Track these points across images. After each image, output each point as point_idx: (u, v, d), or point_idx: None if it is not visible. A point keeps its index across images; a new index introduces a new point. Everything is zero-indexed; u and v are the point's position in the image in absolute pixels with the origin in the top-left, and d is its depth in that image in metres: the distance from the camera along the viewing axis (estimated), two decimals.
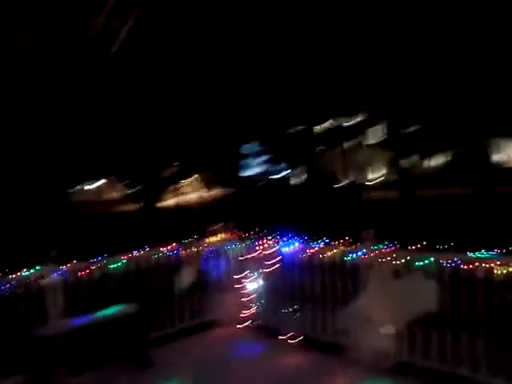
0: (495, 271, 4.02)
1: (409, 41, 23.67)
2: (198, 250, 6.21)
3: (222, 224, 6.49)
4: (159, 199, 22.94)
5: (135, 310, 5.14)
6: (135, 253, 5.68)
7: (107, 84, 18.55)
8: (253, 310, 6.09)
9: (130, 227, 17.92)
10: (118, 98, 18.89)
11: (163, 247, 5.93)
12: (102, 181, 37.62)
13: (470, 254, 4.26)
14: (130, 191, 21.54)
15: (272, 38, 21.61)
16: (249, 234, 6.28)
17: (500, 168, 39.01)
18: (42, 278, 5.03)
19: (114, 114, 18.67)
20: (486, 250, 4.21)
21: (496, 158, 45.12)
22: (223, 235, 6.41)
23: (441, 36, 22.93)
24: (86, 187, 37.69)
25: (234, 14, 19.00)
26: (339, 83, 27.29)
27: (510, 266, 3.97)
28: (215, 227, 6.47)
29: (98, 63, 17.13)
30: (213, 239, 6.36)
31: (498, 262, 4.04)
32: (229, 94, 20.64)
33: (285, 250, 5.75)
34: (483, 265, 4.11)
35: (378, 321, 4.85)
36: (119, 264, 5.51)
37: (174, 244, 6.05)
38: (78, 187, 36.63)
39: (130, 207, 22.87)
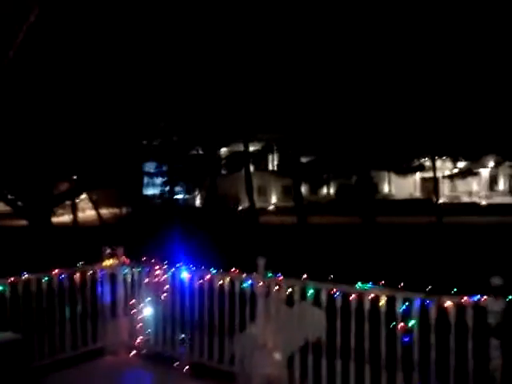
0: (381, 302, 4.33)
1: (304, 70, 25.02)
2: (90, 274, 5.97)
3: (116, 247, 6.32)
4: (51, 215, 21.64)
5: (18, 337, 4.80)
6: (23, 275, 5.33)
7: None
8: (146, 337, 5.96)
9: (17, 245, 16.74)
10: (8, 105, 17.73)
11: (54, 269, 5.63)
12: None
13: (358, 285, 4.55)
14: (18, 205, 20.03)
15: (172, 61, 21.66)
16: (142, 258, 6.17)
17: (386, 200, 41.77)
18: None
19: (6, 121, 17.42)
20: (373, 282, 4.53)
21: (383, 189, 48.27)
22: (116, 259, 6.22)
23: (331, 78, 24.51)
24: None
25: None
26: (240, 110, 27.99)
27: (392, 297, 4.30)
28: (109, 250, 6.27)
29: None
30: (106, 263, 6.15)
31: (383, 294, 4.35)
32: (131, 109, 20.19)
33: (179, 275, 5.72)
34: (370, 295, 4.40)
35: (271, 348, 4.98)
36: (4, 287, 5.14)
37: (66, 267, 5.77)
38: None
39: (19, 222, 21.41)
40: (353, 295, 4.51)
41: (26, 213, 19.80)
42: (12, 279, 5.24)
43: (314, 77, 24.86)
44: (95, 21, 17.13)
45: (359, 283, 4.62)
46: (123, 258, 6.24)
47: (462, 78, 23.94)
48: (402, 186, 46.44)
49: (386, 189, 49.10)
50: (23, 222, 20.69)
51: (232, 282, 5.26)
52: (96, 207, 30.62)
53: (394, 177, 45.16)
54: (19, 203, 20.08)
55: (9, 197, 19.78)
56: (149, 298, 5.92)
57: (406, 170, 37.25)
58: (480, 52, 23.00)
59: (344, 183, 40.68)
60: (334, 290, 4.64)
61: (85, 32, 16.98)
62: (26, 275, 5.38)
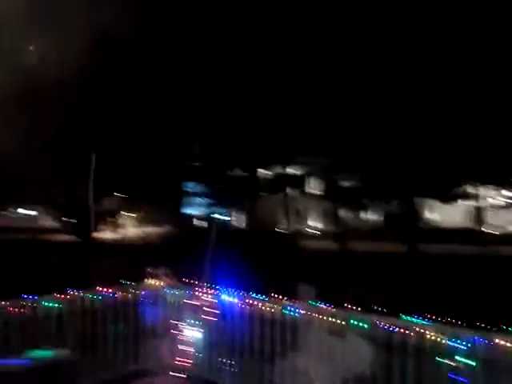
0: (427, 337, 4.22)
1: (350, 97, 24.93)
2: (135, 294, 6.06)
3: (161, 268, 6.40)
4: (97, 232, 22.20)
5: (67, 355, 4.91)
6: (70, 292, 5.46)
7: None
8: (188, 360, 5.97)
9: (65, 261, 17.16)
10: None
11: (100, 287, 5.75)
12: (36, 208, 36.08)
13: (403, 318, 4.45)
14: (65, 221, 20.67)
15: (216, 83, 22.06)
16: (185, 279, 6.22)
17: (432, 227, 40.89)
18: None
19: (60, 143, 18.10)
20: (419, 316, 4.42)
21: (429, 217, 47.27)
22: (162, 280, 6.30)
23: (381, 98, 24.33)
24: (18, 213, 36.04)
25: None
26: (282, 132, 28.12)
27: (439, 334, 4.18)
28: (154, 271, 6.36)
29: None
30: (150, 283, 6.24)
31: (430, 329, 4.24)
32: (175, 129, 20.66)
33: (222, 299, 5.73)
34: (416, 329, 4.29)
35: (312, 377, 4.91)
36: (53, 304, 5.28)
37: (112, 285, 5.88)
38: (11, 212, 34.93)
39: (66, 238, 21.98)
40: (398, 328, 4.42)
41: (72, 229, 20.43)
42: (61, 296, 5.38)
43: (358, 101, 24.76)
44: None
45: (404, 316, 4.52)
46: (166, 279, 6.31)
47: None
48: (447, 214, 45.26)
49: (430, 216, 47.96)
50: (68, 238, 21.27)
51: (276, 309, 5.23)
52: (138, 224, 31.19)
53: (438, 204, 44.07)
54: (65, 219, 20.77)
55: (55, 212, 20.49)
56: (191, 321, 5.95)
57: (451, 197, 36.30)
58: None
59: (388, 209, 40.02)
60: (380, 322, 4.55)
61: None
62: (74, 293, 5.51)
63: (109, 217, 25.44)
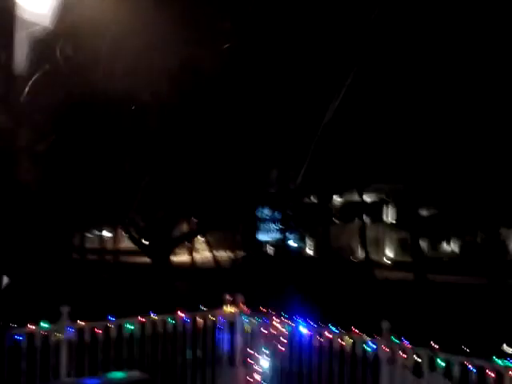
0: None
1: (431, 122, 24.18)
2: (211, 320, 6.08)
3: (236, 294, 6.40)
4: (172, 254, 22.75)
5: (146, 378, 4.99)
6: (152, 315, 5.58)
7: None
8: None
9: (142, 281, 17.72)
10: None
11: (178, 312, 5.82)
12: (109, 231, 37.67)
13: (496, 361, 4.11)
14: (143, 243, 21.37)
15: (291, 108, 22.22)
16: (259, 307, 6.16)
17: None
18: (55, 333, 4.95)
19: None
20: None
21: None
22: (236, 307, 6.28)
23: (460, 127, 23.42)
24: (97, 234, 37.76)
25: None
26: (356, 158, 27.70)
27: None
28: (228, 297, 6.37)
29: None
30: (226, 310, 6.24)
31: None
32: (251, 155, 20.93)
33: (298, 330, 5.61)
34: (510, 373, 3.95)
35: None
36: (135, 326, 5.41)
37: (188, 309, 5.95)
38: (89, 234, 36.69)
39: (144, 259, 22.75)
40: (490, 372, 4.08)
41: (149, 251, 21.06)
42: (141, 319, 5.50)
43: (436, 124, 23.98)
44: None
45: (496, 359, 4.18)
46: (242, 307, 6.28)
47: None
48: None
49: None
50: (147, 260, 21.97)
51: (354, 344, 5.03)
52: (211, 249, 31.71)
53: None
54: (144, 242, 21.47)
55: (134, 235, 21.23)
56: (266, 350, 5.87)
57: None
58: None
59: (469, 240, 38.03)
60: (469, 364, 4.23)
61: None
62: (154, 316, 5.61)
63: (185, 241, 26.06)
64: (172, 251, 21.89)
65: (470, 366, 4.25)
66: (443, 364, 4.40)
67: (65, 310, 5.07)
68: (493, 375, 4.02)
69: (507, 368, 3.98)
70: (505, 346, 5.61)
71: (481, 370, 4.16)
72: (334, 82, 23.26)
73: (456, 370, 4.31)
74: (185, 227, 26.31)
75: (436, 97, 22.77)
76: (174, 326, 5.67)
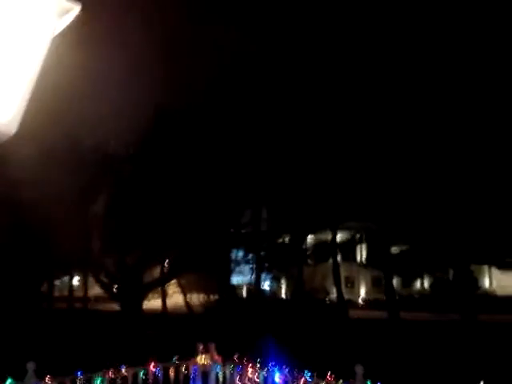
0: None
1: (399, 162, 24.77)
2: (184, 370, 5.96)
3: (207, 344, 6.30)
4: (143, 300, 22.24)
5: None
6: (122, 369, 5.42)
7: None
8: None
9: (113, 332, 17.12)
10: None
11: (150, 364, 5.68)
12: (77, 277, 36.77)
13: None
14: (112, 289, 20.87)
15: (263, 154, 22.57)
16: (233, 354, 6.07)
17: (487, 296, 38.67)
18: None
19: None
20: None
21: (484, 285, 44.78)
22: (209, 356, 6.17)
23: (433, 162, 24.07)
24: (62, 282, 36.75)
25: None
26: (328, 197, 28.02)
27: None
28: (201, 346, 6.26)
29: None
30: (199, 360, 6.12)
31: None
32: (220, 197, 20.98)
33: (272, 377, 5.53)
34: None
35: None
36: (103, 381, 5.24)
37: (161, 361, 5.81)
38: (58, 282, 35.68)
39: (112, 306, 22.15)
40: None
41: (119, 297, 20.57)
42: (111, 373, 5.35)
43: (404, 163, 24.58)
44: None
45: None
46: (215, 355, 6.18)
47: None
48: (505, 282, 42.95)
49: (486, 284, 45.66)
50: (116, 307, 21.39)
51: None
52: (184, 293, 31.16)
53: (496, 271, 42.03)
54: (114, 288, 20.97)
55: (104, 281, 20.75)
56: None
57: (509, 264, 34.56)
58: None
59: (440, 277, 38.44)
60: None
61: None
62: (124, 370, 5.47)
63: (156, 286, 25.58)
64: (143, 297, 21.44)
65: None
66: None
67: (31, 366, 4.89)
68: None
69: None
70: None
71: None
72: (303, 125, 23.81)
73: None
74: (157, 271, 25.87)
75: (405, 141, 23.47)
76: (146, 379, 5.53)
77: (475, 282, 37.76)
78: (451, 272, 34.11)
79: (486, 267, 42.45)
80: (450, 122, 22.26)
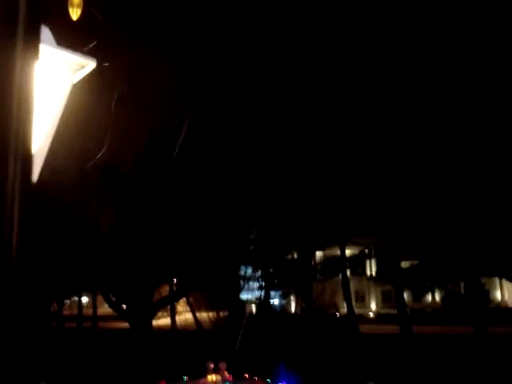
0: None
1: (406, 175, 24.70)
2: None
3: (218, 362, 6.26)
4: (152, 318, 22.14)
5: None
6: None
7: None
8: None
9: (123, 351, 17.02)
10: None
11: (160, 383, 5.65)
12: (86, 297, 36.65)
13: None
14: (121, 308, 20.78)
15: (269, 168, 22.62)
16: (243, 372, 6.02)
17: (499, 308, 38.21)
18: None
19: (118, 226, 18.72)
20: None
21: (495, 297, 44.34)
22: (219, 375, 6.13)
23: (438, 176, 23.99)
24: (72, 300, 36.66)
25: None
26: (337, 213, 27.92)
27: None
28: (211, 365, 6.22)
29: None
30: (210, 379, 6.08)
31: None
32: (228, 215, 20.96)
33: None
34: None
35: None
36: None
37: (171, 381, 5.78)
38: (67, 300, 35.64)
39: (121, 325, 22.08)
40: None
41: (128, 316, 20.47)
42: None
43: (412, 177, 24.51)
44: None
45: None
46: (226, 374, 6.14)
47: None
48: None
49: (498, 296, 45.16)
50: (126, 325, 21.31)
51: None
52: (193, 310, 31.00)
53: (507, 283, 41.57)
54: (123, 306, 20.89)
55: (113, 299, 20.68)
56: None
57: None
58: None
59: (451, 290, 38.05)
60: None
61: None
62: None
63: (165, 304, 25.46)
64: (153, 315, 21.33)
65: None
66: None
67: None
68: None
69: None
70: None
71: None
72: (309, 140, 23.83)
73: None
74: (166, 290, 25.80)
75: (406, 150, 23.43)
76: None
77: (487, 294, 37.34)
78: (462, 285, 33.78)
79: (497, 279, 42.01)
80: (459, 132, 22.19)
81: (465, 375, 13.64)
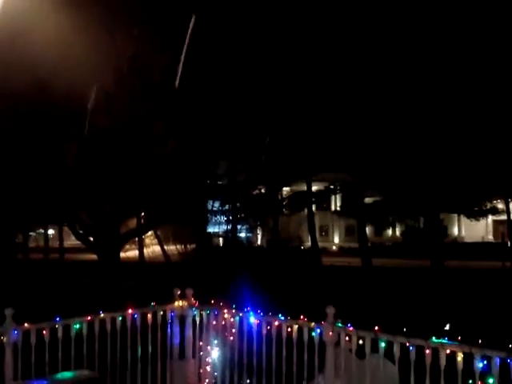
0: (458, 358, 4.14)
1: (374, 114, 24.88)
2: (161, 315, 6.10)
3: (187, 289, 6.43)
4: (120, 250, 22.37)
5: (95, 376, 4.96)
6: (100, 314, 5.53)
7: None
8: (212, 381, 5.97)
9: (91, 282, 17.28)
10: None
11: (126, 309, 5.79)
12: (52, 229, 36.44)
13: (433, 340, 4.36)
14: (89, 240, 20.86)
15: (239, 102, 22.39)
16: (209, 299, 6.22)
17: (456, 243, 39.95)
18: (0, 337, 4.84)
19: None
20: (449, 338, 4.34)
21: (453, 232, 46.18)
22: (186, 301, 6.32)
23: (407, 115, 24.26)
24: (38, 233, 36.45)
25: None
26: (303, 149, 28.14)
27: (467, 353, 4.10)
28: (179, 291, 6.39)
29: None
30: (176, 304, 6.27)
31: (460, 350, 4.16)
32: (196, 148, 20.86)
33: (247, 320, 5.71)
34: (446, 351, 4.21)
35: None
36: (83, 325, 5.35)
37: (137, 305, 5.93)
38: (33, 233, 35.37)
39: (92, 257, 22.23)
40: (427, 350, 4.34)
41: (96, 248, 20.60)
42: (89, 318, 5.45)
43: (379, 114, 24.71)
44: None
45: (434, 338, 4.44)
46: (192, 300, 6.33)
47: None
48: (473, 229, 44.46)
49: (455, 231, 47.17)
50: (94, 257, 21.51)
51: (300, 330, 5.20)
52: (161, 243, 31.40)
53: (464, 219, 43.40)
54: (90, 238, 20.96)
55: (80, 232, 20.70)
56: (216, 341, 5.96)
57: (477, 212, 35.65)
58: None
59: (411, 225, 39.51)
60: (408, 343, 4.48)
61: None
62: (102, 314, 5.57)
63: (134, 236, 25.65)
64: (120, 247, 21.51)
65: (409, 345, 4.49)
66: (384, 345, 4.63)
67: (9, 312, 4.96)
68: (428, 352, 4.29)
69: (443, 345, 4.25)
70: (448, 326, 5.93)
71: (419, 349, 4.42)
72: (274, 76, 23.49)
73: (396, 350, 4.55)
74: (133, 223, 25.90)
75: (375, 87, 23.46)
76: (123, 322, 5.66)
77: (445, 229, 38.97)
78: (422, 220, 35.07)
79: (455, 216, 43.75)
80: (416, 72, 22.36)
81: (418, 304, 14.49)
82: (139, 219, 25.75)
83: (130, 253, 32.31)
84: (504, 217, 32.47)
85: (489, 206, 35.43)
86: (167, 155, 18.95)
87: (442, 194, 27.47)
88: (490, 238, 45.78)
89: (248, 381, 5.66)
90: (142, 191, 19.62)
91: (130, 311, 5.75)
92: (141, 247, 32.96)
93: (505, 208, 31.25)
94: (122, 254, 23.11)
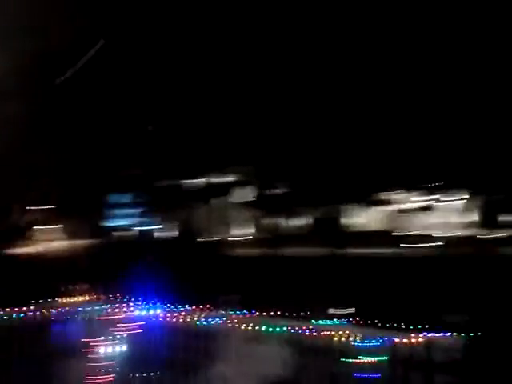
0: (335, 339, 4.45)
1: (273, 105, 25.48)
2: (50, 311, 5.90)
3: (81, 284, 6.28)
4: (10, 247, 21.20)
5: None
6: None
7: None
8: (106, 376, 5.89)
9: None
10: None
11: (13, 307, 5.55)
12: None
13: (315, 322, 4.64)
14: None
15: (138, 94, 22.02)
16: (107, 294, 6.14)
17: (355, 231, 42.17)
18: None
19: None
20: (335, 318, 4.64)
21: (352, 222, 48.65)
22: (80, 296, 6.18)
23: (305, 106, 25.07)
24: None
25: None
26: (211, 141, 28.21)
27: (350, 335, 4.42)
28: (73, 287, 6.23)
29: None
30: (70, 300, 6.10)
31: (340, 330, 4.47)
32: (98, 142, 20.28)
33: (146, 313, 5.72)
34: (326, 332, 4.50)
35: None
36: None
37: (27, 304, 5.71)
38: None
39: None
40: (310, 332, 4.61)
41: None
42: None
43: (282, 109, 25.39)
44: None
45: (315, 320, 4.72)
46: (88, 295, 6.21)
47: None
48: (368, 219, 46.99)
49: (352, 221, 49.60)
50: None
51: (197, 319, 5.29)
52: (59, 238, 30.07)
53: (359, 209, 45.72)
54: None
55: None
56: (109, 337, 5.89)
57: (371, 203, 37.81)
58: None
59: (315, 216, 41.06)
60: (295, 327, 4.73)
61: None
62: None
63: (28, 230, 24.42)
64: (10, 243, 20.48)
65: (297, 328, 4.75)
66: (278, 329, 4.86)
67: None
68: (307, 334, 4.57)
69: (322, 327, 4.54)
70: (331, 310, 6.36)
71: (305, 331, 4.69)
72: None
73: (285, 334, 4.79)
74: (28, 216, 24.63)
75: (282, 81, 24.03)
76: (8, 321, 5.42)
77: (335, 220, 40.90)
78: (325, 211, 36.52)
79: (356, 206, 46.05)
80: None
81: (317, 290, 15.18)
82: (33, 213, 24.57)
83: (26, 248, 30.62)
84: (398, 206, 34.69)
85: (382, 197, 37.65)
86: (66, 146, 18.34)
87: (344, 186, 28.82)
88: (383, 227, 48.61)
89: (144, 372, 5.68)
90: (34, 182, 18.83)
91: (15, 309, 5.52)
92: (34, 242, 31.35)
93: (397, 198, 33.40)
94: (15, 250, 22.09)
